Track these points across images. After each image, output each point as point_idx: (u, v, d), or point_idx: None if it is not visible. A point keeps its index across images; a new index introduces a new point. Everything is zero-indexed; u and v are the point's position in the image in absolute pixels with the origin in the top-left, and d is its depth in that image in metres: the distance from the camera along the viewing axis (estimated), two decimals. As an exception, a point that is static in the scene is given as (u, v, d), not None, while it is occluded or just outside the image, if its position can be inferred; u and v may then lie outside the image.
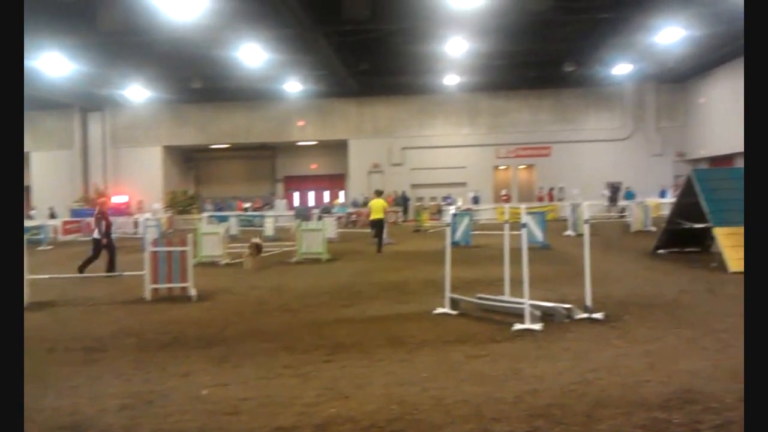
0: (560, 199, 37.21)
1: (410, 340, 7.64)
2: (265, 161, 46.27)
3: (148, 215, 30.05)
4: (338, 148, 43.13)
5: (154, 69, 31.70)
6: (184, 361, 7.05)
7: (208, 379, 6.32)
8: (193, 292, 11.37)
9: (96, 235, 15.00)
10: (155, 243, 11.90)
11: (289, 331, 8.48)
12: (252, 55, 28.06)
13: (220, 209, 39.25)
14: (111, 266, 14.82)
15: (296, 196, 46.53)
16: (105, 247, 14.91)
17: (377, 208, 19.90)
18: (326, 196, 45.64)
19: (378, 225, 19.92)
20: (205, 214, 32.79)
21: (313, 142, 43.81)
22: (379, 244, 19.60)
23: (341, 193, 44.39)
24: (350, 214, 35.34)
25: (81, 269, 14.56)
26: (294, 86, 36.46)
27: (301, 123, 42.14)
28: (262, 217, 31.12)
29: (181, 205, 39.09)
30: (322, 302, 10.75)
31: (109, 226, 15.13)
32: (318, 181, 46.30)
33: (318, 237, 17.78)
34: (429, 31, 26.11)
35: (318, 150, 45.03)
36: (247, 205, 40.01)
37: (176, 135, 42.57)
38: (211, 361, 7.01)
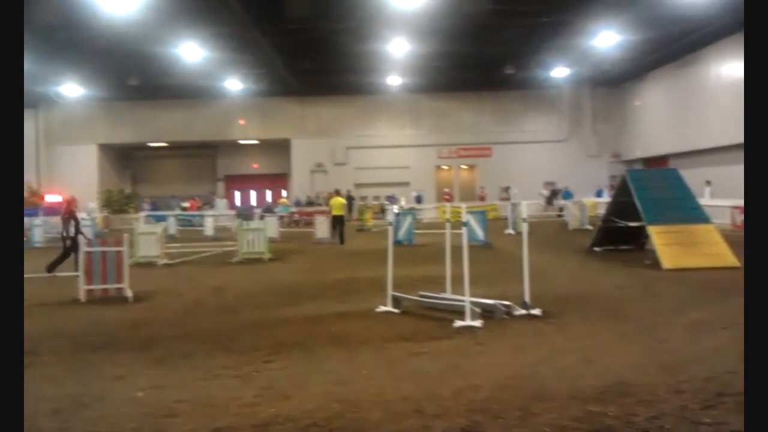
0: (503, 199, 37.73)
1: (352, 339, 7.63)
2: (205, 160, 45.48)
3: (83, 215, 29.11)
4: (281, 148, 42.74)
5: (90, 66, 30.75)
6: (119, 364, 6.86)
7: (144, 381, 6.17)
8: (129, 293, 11.09)
9: (66, 233, 14.68)
10: (89, 243, 11.57)
11: (228, 331, 8.34)
12: (191, 52, 27.53)
13: (156, 209, 38.31)
14: (54, 266, 14.48)
15: (238, 195, 45.90)
16: (64, 247, 14.61)
17: (337, 205, 22.28)
18: (268, 195, 45.18)
19: (339, 221, 22.10)
20: (143, 214, 32.02)
21: (254, 141, 43.32)
22: (341, 237, 21.77)
23: (284, 193, 44.02)
24: (293, 213, 35.08)
25: (51, 269, 14.40)
26: (234, 84, 35.97)
27: (242, 122, 41.60)
28: (202, 216, 30.58)
29: (117, 204, 38.06)
30: (263, 302, 10.63)
31: (78, 225, 14.87)
32: (260, 181, 45.78)
33: (260, 237, 17.59)
34: (371, 31, 26.12)
35: (260, 149, 44.55)
36: (186, 204, 39.10)
37: (113, 133, 41.44)
38: (146, 363, 6.84)
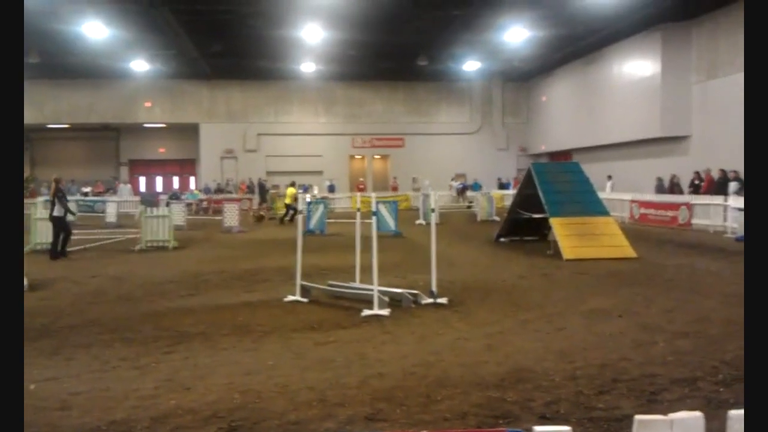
0: (416, 189, 38.09)
1: (258, 329, 7.51)
2: (108, 143, 43.49)
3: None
4: (189, 132, 41.50)
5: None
6: (8, 356, 6.49)
7: (37, 373, 5.87)
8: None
9: (56, 213, 14.87)
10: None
11: (128, 321, 8.05)
12: (95, 30, 26.26)
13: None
14: (64, 245, 15.00)
15: (143, 181, 44.25)
16: (63, 228, 14.99)
17: (290, 194, 25.68)
18: (176, 181, 43.84)
19: (291, 207, 25.50)
20: (41, 199, 30.43)
21: (161, 125, 41.82)
22: (291, 218, 25.16)
23: (192, 180, 42.85)
24: (201, 200, 34.25)
25: (63, 252, 14.85)
26: (141, 65, 34.57)
27: (148, 104, 40.09)
28: (104, 202, 29.37)
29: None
30: (166, 291, 10.32)
31: (66, 204, 15.24)
32: (166, 166, 44.26)
33: (164, 224, 17.08)
34: (284, 16, 25.71)
35: (167, 133, 42.98)
36: (88, 189, 37.35)
37: (8, 112, 39.01)
38: (40, 354, 6.51)
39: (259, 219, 27.88)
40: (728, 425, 2.07)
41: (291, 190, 26.17)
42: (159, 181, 44.34)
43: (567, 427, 1.83)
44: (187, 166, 43.92)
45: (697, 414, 1.97)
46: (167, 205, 23.41)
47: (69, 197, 32.27)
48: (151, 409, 4.89)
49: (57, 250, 14.81)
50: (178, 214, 21.56)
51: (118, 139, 43.49)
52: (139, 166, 44.18)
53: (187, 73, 37.06)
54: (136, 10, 24.43)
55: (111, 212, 25.95)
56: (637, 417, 1.91)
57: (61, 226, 14.98)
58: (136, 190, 39.70)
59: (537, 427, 1.82)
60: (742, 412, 2.14)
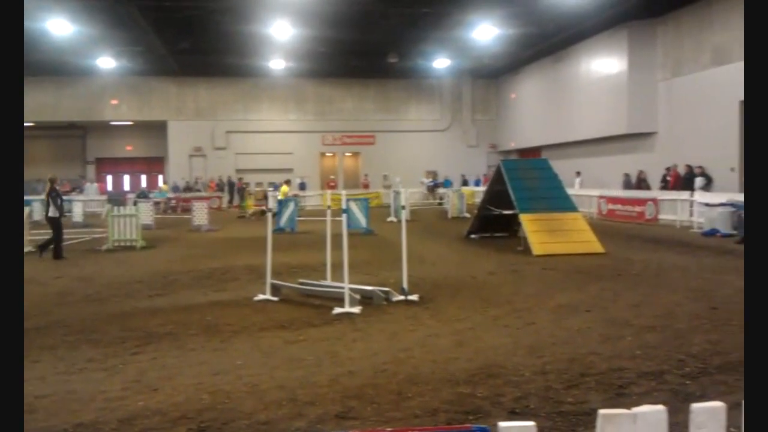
0: (386, 187, 38.09)
1: (226, 328, 7.45)
2: (74, 141, 42.81)
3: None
4: (156, 130, 41.00)
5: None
6: (-31, 360, 6.33)
7: (0, 376, 5.74)
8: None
9: (52, 213, 14.59)
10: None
11: (94, 322, 7.93)
12: (60, 26, 25.78)
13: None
14: (54, 247, 14.58)
15: (110, 179, 43.62)
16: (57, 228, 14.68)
17: (283, 193, 25.12)
18: (143, 180, 43.30)
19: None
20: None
21: (128, 123, 41.28)
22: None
23: (160, 178, 42.34)
24: (170, 199, 33.86)
25: (42, 250, 14.57)
26: (107, 62, 34.04)
27: (114, 101, 39.53)
28: (70, 201, 28.87)
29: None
30: (134, 291, 10.18)
31: (62, 203, 15.02)
32: (134, 164, 43.71)
33: (132, 223, 16.85)
34: (253, 13, 25.52)
35: (134, 131, 42.44)
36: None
37: (-31, 110, 38.17)
38: (3, 358, 6.37)
39: (262, 213, 26.91)
40: (691, 418, 2.10)
41: (285, 189, 25.84)
42: (126, 180, 43.78)
43: (531, 423, 1.84)
44: (155, 164, 43.41)
45: (660, 408, 2.00)
46: (135, 203, 23.11)
47: (35, 197, 32.00)
48: (119, 411, 4.83)
49: (61, 249, 14.61)
50: (145, 213, 21.31)
51: (85, 138, 42.87)
52: (107, 165, 43.60)
53: (155, 70, 36.63)
54: (101, 6, 24.07)
55: (77, 212, 25.56)
56: (601, 411, 1.93)
57: (57, 227, 14.68)
58: (102, 189, 39.14)
59: (502, 423, 1.83)
60: (705, 405, 2.16)
